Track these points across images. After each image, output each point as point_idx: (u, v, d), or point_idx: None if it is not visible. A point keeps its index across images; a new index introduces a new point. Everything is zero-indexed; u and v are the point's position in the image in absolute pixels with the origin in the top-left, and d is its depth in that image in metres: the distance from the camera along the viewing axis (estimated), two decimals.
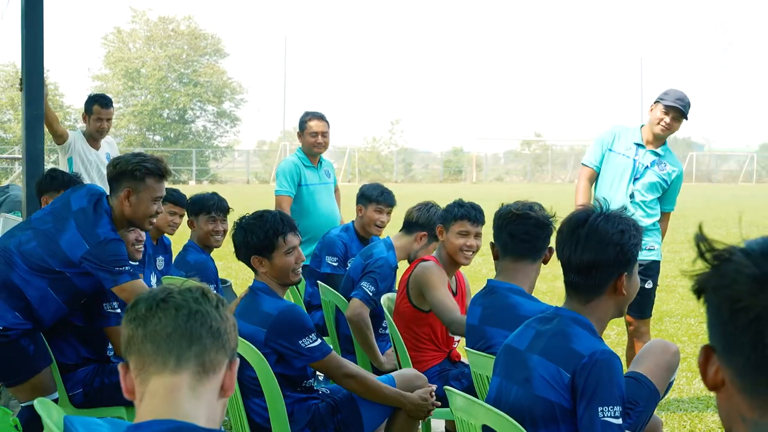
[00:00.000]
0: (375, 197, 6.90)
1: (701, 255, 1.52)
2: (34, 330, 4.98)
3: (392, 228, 6.82)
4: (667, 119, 6.58)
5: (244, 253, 4.58)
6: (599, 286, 3.35)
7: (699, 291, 1.53)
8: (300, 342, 4.35)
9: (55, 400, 4.99)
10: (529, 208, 4.55)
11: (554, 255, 4.30)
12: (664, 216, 6.90)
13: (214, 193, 7.17)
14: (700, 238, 1.53)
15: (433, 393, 4.66)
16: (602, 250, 3.29)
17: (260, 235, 4.51)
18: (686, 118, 6.62)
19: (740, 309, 1.44)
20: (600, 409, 3.12)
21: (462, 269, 5.63)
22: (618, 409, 3.14)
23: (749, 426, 1.47)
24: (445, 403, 4.84)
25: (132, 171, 4.95)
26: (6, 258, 4.94)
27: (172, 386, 2.08)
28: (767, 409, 1.44)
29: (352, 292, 5.99)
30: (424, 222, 6.12)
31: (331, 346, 6.31)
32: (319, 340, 4.42)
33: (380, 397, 4.52)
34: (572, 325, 3.32)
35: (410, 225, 6.23)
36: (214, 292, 2.27)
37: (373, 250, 6.22)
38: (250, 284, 4.66)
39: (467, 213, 5.30)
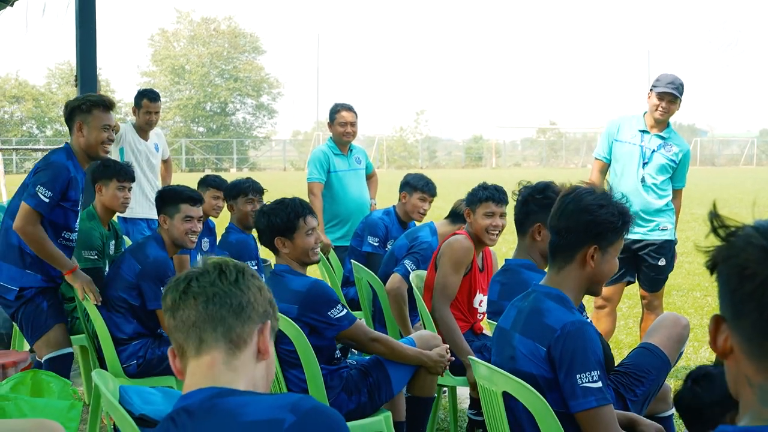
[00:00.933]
0: (420, 186, 6.92)
1: (714, 231, 1.54)
2: (48, 288, 5.27)
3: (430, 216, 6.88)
4: (663, 104, 6.52)
5: (268, 235, 4.58)
6: (569, 251, 3.33)
7: (712, 265, 1.54)
8: (329, 313, 4.38)
9: (69, 354, 5.28)
10: (524, 187, 4.57)
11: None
12: (677, 193, 6.79)
13: (248, 178, 7.18)
14: (714, 215, 1.54)
15: (448, 350, 4.68)
16: (576, 216, 3.30)
17: (283, 217, 4.52)
18: (680, 98, 6.56)
19: (748, 276, 1.46)
20: (578, 376, 3.11)
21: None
22: (596, 373, 3.12)
23: (755, 389, 1.48)
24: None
25: (79, 106, 5.26)
26: (5, 227, 5.25)
27: (208, 364, 2.08)
28: None
29: (395, 268, 6.02)
30: None
31: (363, 319, 6.36)
32: (345, 311, 4.46)
33: (404, 357, 4.54)
34: (545, 300, 3.30)
35: (456, 216, 6.26)
36: (234, 262, 2.20)
37: (419, 233, 6.26)
38: (272, 269, 4.67)
39: (492, 195, 5.29)
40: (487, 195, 5.30)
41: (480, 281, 5.44)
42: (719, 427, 1.49)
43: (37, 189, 5.05)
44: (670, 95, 6.50)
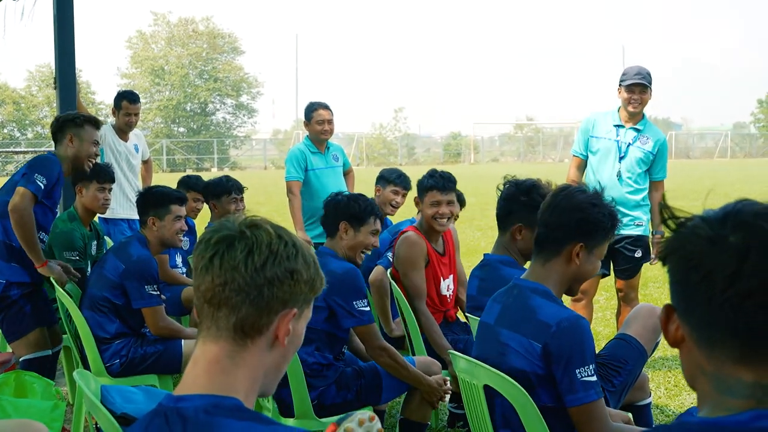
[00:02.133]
0: (393, 179, 6.99)
1: (664, 222, 1.55)
2: (32, 291, 5.42)
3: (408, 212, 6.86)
4: (635, 96, 6.54)
5: (337, 216, 4.64)
6: (556, 245, 3.33)
7: (663, 256, 1.55)
8: (354, 303, 4.38)
9: (47, 357, 5.39)
10: (509, 182, 4.53)
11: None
12: (658, 185, 6.75)
13: (227, 176, 7.15)
14: (663, 206, 1.56)
15: (448, 381, 4.64)
16: (568, 213, 3.31)
17: (362, 206, 4.63)
18: (650, 87, 6.58)
19: (693, 267, 1.47)
20: (578, 371, 3.10)
21: (462, 244, 5.61)
22: (592, 367, 3.13)
23: (709, 378, 1.49)
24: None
25: (73, 119, 5.58)
26: None
27: (212, 358, 1.91)
28: (722, 361, 1.46)
29: (378, 261, 6.04)
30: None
31: None
32: (369, 307, 4.45)
33: (404, 375, 4.50)
34: (532, 296, 3.29)
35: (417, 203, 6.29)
36: (272, 235, 1.93)
37: (401, 227, 6.27)
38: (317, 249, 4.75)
39: (436, 183, 5.32)
40: (432, 183, 5.34)
41: (442, 267, 5.46)
42: (680, 417, 1.49)
43: (35, 177, 5.27)
44: (639, 86, 6.52)
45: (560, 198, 3.37)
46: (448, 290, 5.50)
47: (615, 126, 6.68)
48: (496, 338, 3.35)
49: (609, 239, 3.39)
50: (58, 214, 5.86)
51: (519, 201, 4.40)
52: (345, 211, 4.63)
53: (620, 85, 6.61)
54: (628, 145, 6.60)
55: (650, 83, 6.55)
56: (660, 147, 6.68)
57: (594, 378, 3.12)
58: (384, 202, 6.96)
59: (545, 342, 3.15)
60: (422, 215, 5.39)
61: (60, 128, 5.54)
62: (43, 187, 5.26)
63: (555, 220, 3.34)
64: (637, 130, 6.64)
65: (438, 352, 5.08)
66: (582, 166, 6.87)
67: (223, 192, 6.87)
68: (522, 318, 3.27)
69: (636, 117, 6.65)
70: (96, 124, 5.65)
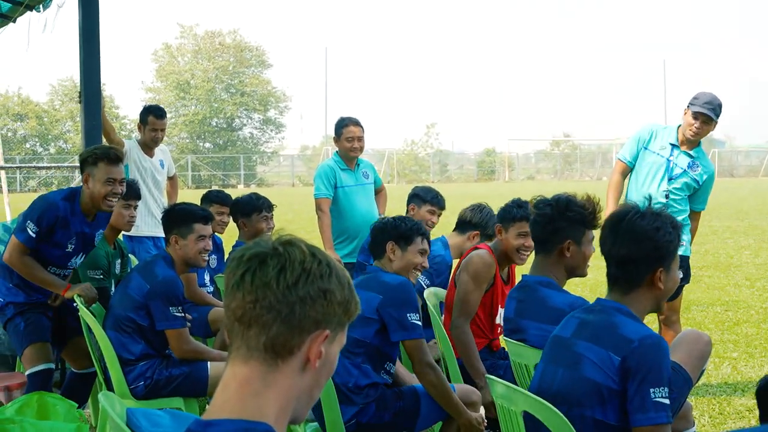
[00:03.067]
0: (429, 199, 6.98)
1: None
2: (29, 308, 5.59)
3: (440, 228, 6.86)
4: (697, 124, 6.53)
5: (384, 236, 4.74)
6: (636, 279, 3.38)
7: None
8: (408, 315, 4.43)
9: (49, 371, 5.53)
10: (541, 202, 4.51)
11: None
12: (695, 215, 6.83)
13: (256, 194, 7.15)
14: None
15: (485, 419, 4.61)
16: (637, 245, 3.34)
17: (409, 226, 4.73)
18: (716, 120, 6.54)
19: None
20: (651, 390, 3.12)
21: None
22: (666, 390, 3.15)
23: None
24: None
25: (86, 158, 5.48)
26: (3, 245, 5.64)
27: (243, 380, 1.90)
28: None
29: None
30: (477, 221, 6.19)
31: None
32: (421, 322, 4.49)
33: (446, 399, 4.47)
34: (616, 314, 3.33)
35: (464, 224, 6.26)
36: (305, 253, 1.94)
37: (431, 248, 6.23)
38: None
39: (527, 214, 5.21)
40: (522, 214, 5.26)
41: (504, 296, 5.41)
42: None
43: (27, 224, 5.37)
44: (704, 116, 6.50)
45: (622, 230, 3.38)
46: (500, 319, 5.42)
47: (671, 144, 6.68)
48: (571, 349, 3.38)
49: (679, 246, 3.45)
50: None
51: (564, 217, 4.40)
52: (392, 231, 4.72)
53: (688, 107, 6.59)
54: (682, 169, 6.59)
55: (717, 116, 6.52)
56: (707, 179, 6.74)
57: (667, 401, 3.14)
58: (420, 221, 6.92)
59: (625, 356, 3.19)
60: (502, 243, 5.36)
61: (80, 167, 5.51)
62: (34, 235, 5.37)
63: (624, 254, 3.37)
64: (691, 157, 6.65)
65: (472, 376, 5.05)
66: (626, 172, 6.88)
67: (254, 210, 6.88)
68: (603, 331, 3.31)
69: (693, 143, 6.66)
70: (113, 159, 5.45)
